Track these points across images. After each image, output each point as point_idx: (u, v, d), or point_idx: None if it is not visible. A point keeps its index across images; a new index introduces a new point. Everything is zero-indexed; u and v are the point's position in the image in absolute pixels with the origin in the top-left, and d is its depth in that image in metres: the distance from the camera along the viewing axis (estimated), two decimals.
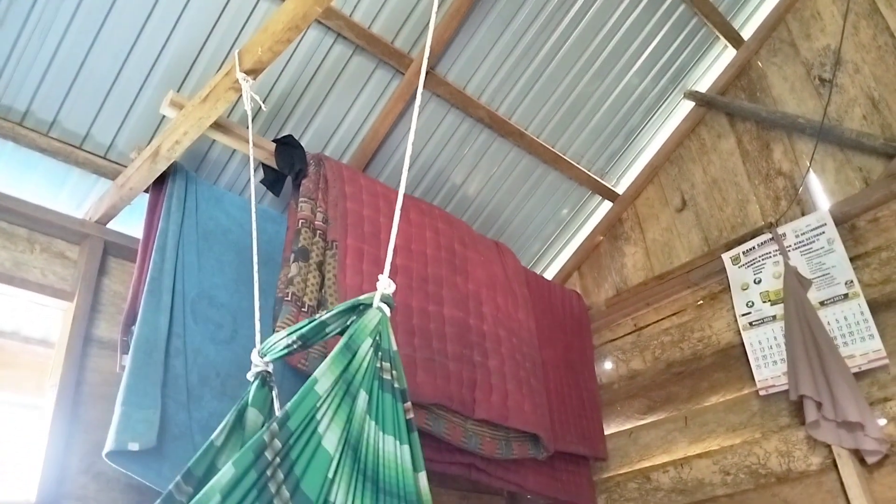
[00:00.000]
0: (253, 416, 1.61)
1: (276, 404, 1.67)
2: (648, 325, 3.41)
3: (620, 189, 3.75)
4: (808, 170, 3.05)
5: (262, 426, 1.60)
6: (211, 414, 2.18)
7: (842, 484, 2.57)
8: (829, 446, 2.63)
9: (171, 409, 2.06)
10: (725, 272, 3.13)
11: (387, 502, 1.32)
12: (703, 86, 3.54)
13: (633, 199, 3.72)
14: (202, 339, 2.24)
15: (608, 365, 3.51)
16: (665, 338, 3.32)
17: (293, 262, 2.33)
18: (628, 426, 3.33)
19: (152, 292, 2.17)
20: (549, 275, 3.88)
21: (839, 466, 2.59)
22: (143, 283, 2.20)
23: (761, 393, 2.86)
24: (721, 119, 3.47)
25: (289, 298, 2.23)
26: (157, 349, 2.09)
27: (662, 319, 3.37)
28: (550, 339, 3.21)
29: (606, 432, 3.33)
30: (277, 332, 2.07)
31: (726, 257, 3.14)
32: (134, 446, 1.90)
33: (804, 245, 2.91)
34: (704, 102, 3.49)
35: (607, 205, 3.78)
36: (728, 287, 3.11)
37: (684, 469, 3.04)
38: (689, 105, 3.57)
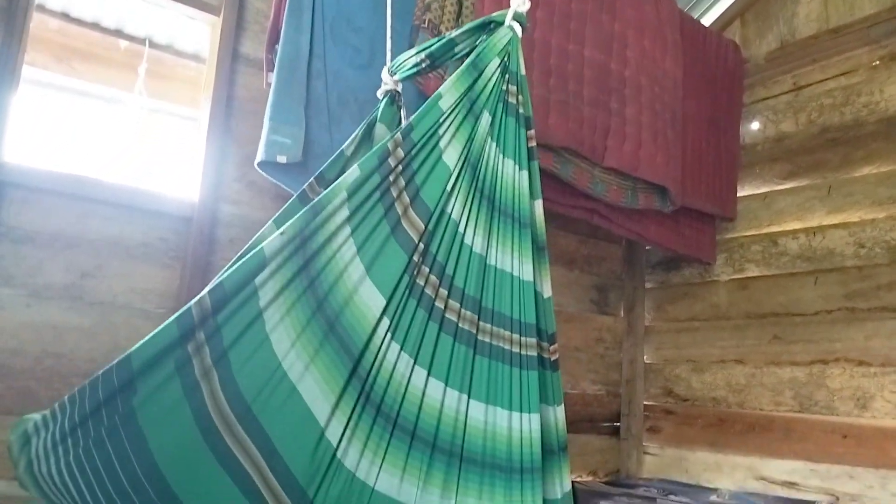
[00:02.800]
0: (381, 131, 1.68)
1: (403, 122, 1.72)
2: (810, 84, 3.09)
3: None
4: None
5: None
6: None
7: None
8: None
9: (313, 129, 2.17)
10: None
11: (501, 220, 1.38)
12: None
13: None
14: (341, 63, 2.27)
15: (755, 125, 3.28)
16: (826, 100, 3.02)
17: None
18: (764, 190, 3.19)
19: (293, 11, 2.18)
20: (708, 21, 3.51)
21: None
22: (284, 1, 2.20)
23: None
24: None
25: (425, 25, 2.17)
26: (299, 69, 2.15)
27: (827, 79, 3.03)
28: (696, 92, 3.00)
29: (739, 194, 3.22)
30: None
31: None
32: (282, 159, 2.06)
33: None
34: None
35: None
36: None
37: (816, 237, 2.94)
38: None
